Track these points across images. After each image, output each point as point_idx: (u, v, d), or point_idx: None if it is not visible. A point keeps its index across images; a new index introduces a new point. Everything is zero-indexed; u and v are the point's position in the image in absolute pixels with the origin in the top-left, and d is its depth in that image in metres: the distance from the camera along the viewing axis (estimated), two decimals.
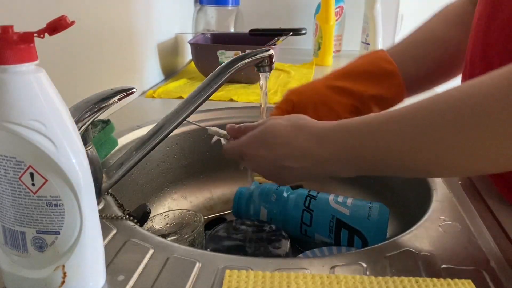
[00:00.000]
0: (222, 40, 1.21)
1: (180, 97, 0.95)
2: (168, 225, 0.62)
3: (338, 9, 1.42)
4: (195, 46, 1.11)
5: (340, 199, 0.61)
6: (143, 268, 0.41)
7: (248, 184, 0.68)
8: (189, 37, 1.25)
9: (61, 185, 0.32)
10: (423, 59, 0.66)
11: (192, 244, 0.56)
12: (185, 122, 0.56)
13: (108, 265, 0.41)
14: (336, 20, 1.39)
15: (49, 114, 0.32)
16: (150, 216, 0.61)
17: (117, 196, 0.56)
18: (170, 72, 1.18)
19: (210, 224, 0.73)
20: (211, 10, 1.38)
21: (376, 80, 0.64)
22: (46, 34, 0.31)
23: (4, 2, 0.57)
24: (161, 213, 0.63)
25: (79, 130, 0.44)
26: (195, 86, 0.56)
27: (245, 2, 1.47)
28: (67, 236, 0.34)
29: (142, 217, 0.58)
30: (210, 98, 0.58)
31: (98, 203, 0.51)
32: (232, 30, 1.40)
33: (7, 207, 0.33)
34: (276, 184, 0.64)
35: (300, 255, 0.55)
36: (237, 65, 0.56)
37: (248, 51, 0.58)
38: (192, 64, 1.20)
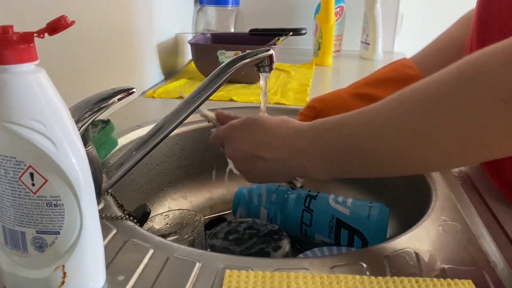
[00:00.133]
0: (222, 40, 1.21)
1: (180, 97, 0.95)
2: (168, 225, 0.62)
3: (338, 9, 1.42)
4: (195, 46, 1.11)
5: (340, 199, 0.61)
6: (143, 268, 0.41)
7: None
8: (189, 37, 1.25)
9: (61, 185, 0.32)
10: (446, 64, 0.67)
11: (192, 244, 0.56)
12: (185, 122, 0.56)
13: (108, 265, 0.41)
14: (336, 20, 1.39)
15: (49, 114, 0.32)
16: (150, 216, 0.61)
17: (117, 196, 0.56)
18: (170, 72, 1.18)
19: (210, 224, 0.73)
20: (211, 10, 1.38)
21: (399, 85, 0.64)
22: (46, 34, 0.31)
23: (4, 2, 0.57)
24: (161, 213, 0.63)
25: (79, 130, 0.44)
26: (195, 86, 0.56)
27: (245, 2, 1.47)
28: (67, 236, 0.34)
29: (142, 217, 0.58)
30: (210, 98, 0.58)
31: (98, 203, 0.51)
32: (232, 30, 1.40)
33: (7, 207, 0.33)
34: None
35: (300, 255, 0.55)
36: (237, 65, 0.56)
37: (248, 51, 0.58)
38: (192, 64, 1.20)
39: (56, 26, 0.31)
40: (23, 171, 0.31)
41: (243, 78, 1.07)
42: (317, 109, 0.68)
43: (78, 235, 0.34)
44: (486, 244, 0.45)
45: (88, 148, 0.48)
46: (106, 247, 0.42)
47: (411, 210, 0.63)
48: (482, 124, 0.36)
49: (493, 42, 0.36)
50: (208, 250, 0.55)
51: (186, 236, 0.58)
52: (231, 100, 0.95)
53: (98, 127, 0.64)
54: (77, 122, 0.44)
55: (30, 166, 0.31)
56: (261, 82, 0.64)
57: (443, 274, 0.40)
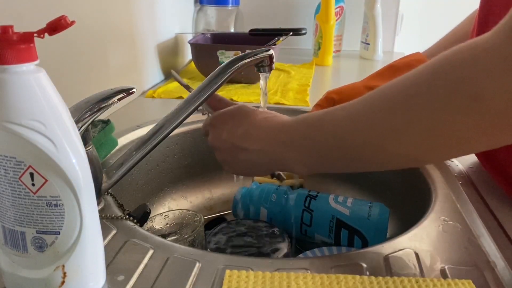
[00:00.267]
0: (222, 40, 1.21)
1: (180, 97, 0.95)
2: (168, 225, 0.62)
3: (338, 9, 1.42)
4: (195, 46, 1.11)
5: (340, 199, 0.61)
6: (143, 268, 0.41)
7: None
8: (189, 37, 1.25)
9: (61, 185, 0.32)
10: None
11: (192, 244, 0.56)
12: (185, 122, 0.56)
13: (108, 265, 0.41)
14: (336, 20, 1.39)
15: (49, 114, 0.32)
16: (150, 216, 0.61)
17: (117, 196, 0.56)
18: (170, 72, 1.18)
19: (210, 224, 0.73)
20: (211, 10, 1.38)
21: None
22: (46, 34, 0.31)
23: (4, 2, 0.57)
24: (161, 213, 0.63)
25: (79, 130, 0.44)
26: (195, 86, 0.56)
27: (245, 2, 1.47)
28: (67, 236, 0.34)
29: (142, 217, 0.58)
30: None
31: (98, 203, 0.51)
32: (232, 30, 1.40)
33: (7, 207, 0.33)
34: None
35: (300, 255, 0.55)
36: (237, 65, 0.56)
37: (248, 51, 0.58)
38: (192, 64, 1.20)
39: (56, 26, 0.31)
40: (23, 171, 0.31)
41: (243, 78, 1.06)
42: (335, 100, 0.70)
43: (78, 235, 0.34)
44: (486, 244, 0.45)
45: (88, 148, 0.48)
46: (106, 247, 0.42)
47: (411, 210, 0.63)
48: (454, 120, 0.36)
49: None
50: (208, 250, 0.55)
51: (186, 236, 0.58)
52: (231, 100, 0.95)
53: (98, 127, 0.64)
54: (77, 122, 0.44)
55: (30, 166, 0.31)
56: (261, 82, 0.64)
57: (443, 274, 0.40)
